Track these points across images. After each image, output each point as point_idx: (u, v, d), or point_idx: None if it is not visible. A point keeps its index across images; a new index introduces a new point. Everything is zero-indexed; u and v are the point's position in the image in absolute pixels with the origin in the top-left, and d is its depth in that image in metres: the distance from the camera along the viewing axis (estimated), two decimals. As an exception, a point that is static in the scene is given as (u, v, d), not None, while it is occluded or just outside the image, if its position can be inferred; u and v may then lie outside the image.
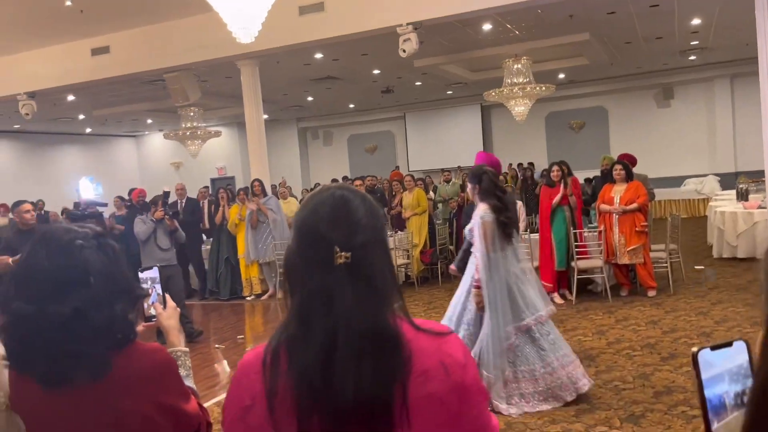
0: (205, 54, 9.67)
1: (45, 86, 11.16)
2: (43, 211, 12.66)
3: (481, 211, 4.27)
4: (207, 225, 10.50)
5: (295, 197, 13.07)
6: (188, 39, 9.76)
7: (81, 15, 9.25)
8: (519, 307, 4.25)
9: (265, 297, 9.35)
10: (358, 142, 20.27)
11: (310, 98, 16.11)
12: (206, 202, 11.30)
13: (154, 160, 21.31)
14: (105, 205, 7.17)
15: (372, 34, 8.84)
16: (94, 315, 1.31)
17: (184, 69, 10.22)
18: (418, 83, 14.88)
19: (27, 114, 11.40)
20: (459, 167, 15.19)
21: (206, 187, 13.23)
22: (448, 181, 11.25)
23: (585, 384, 4.31)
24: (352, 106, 18.30)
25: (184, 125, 15.43)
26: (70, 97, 12.98)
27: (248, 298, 9.36)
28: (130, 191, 11.63)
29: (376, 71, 13.05)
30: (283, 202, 10.48)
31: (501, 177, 5.89)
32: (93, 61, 10.60)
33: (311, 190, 14.16)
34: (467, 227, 4.58)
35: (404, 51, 8.30)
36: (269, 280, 9.45)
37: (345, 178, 14.89)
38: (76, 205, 7.07)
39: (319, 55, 10.94)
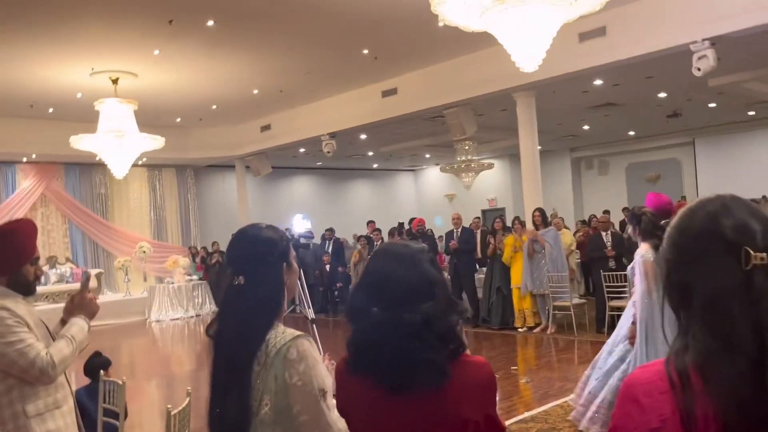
0: (483, 88, 9.99)
1: (343, 127, 12.64)
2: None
3: (643, 250, 4.31)
4: (480, 254, 10.74)
5: (569, 229, 12.66)
6: (467, 75, 10.21)
7: (374, 61, 10.32)
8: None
9: (537, 330, 9.15)
10: (637, 170, 18.91)
11: (585, 127, 15.57)
12: (479, 231, 11.59)
13: (430, 192, 22.60)
14: (312, 237, 7.99)
15: (660, 55, 8.23)
16: (438, 324, 1.40)
17: (463, 104, 10.69)
18: (711, 105, 13.38)
19: (329, 152, 13.02)
20: (764, 197, 13.19)
21: (478, 217, 13.58)
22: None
23: None
24: (631, 133, 17.19)
25: (459, 158, 16.14)
26: (362, 136, 14.49)
27: (520, 330, 9.25)
28: (411, 220, 12.51)
29: (661, 94, 12.09)
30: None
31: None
32: (383, 102, 11.70)
33: (585, 222, 13.60)
34: (629, 267, 4.60)
35: (699, 69, 7.53)
36: (542, 312, 9.23)
37: (625, 209, 13.96)
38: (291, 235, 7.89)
39: (598, 82, 10.53)
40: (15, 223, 2.34)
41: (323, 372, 1.64)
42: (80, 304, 2.38)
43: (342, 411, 1.53)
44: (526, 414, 5.33)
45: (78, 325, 2.33)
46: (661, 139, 17.70)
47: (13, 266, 2.28)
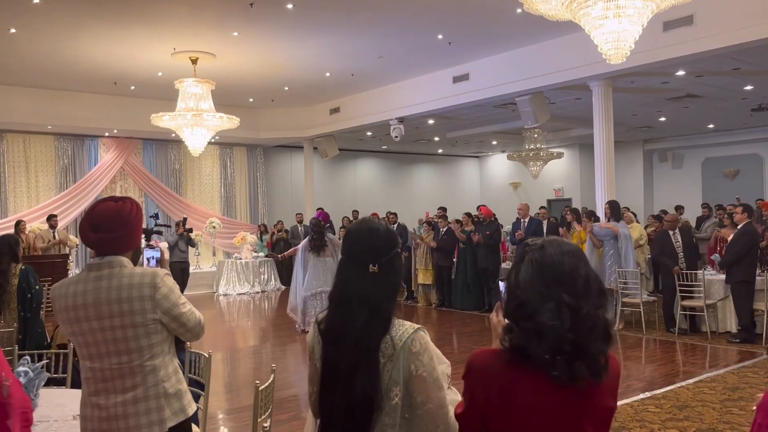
0: (559, 77, 9.77)
1: (412, 112, 12.63)
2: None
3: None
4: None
5: (639, 223, 12.29)
6: (542, 63, 10.00)
7: (447, 47, 10.24)
8: (311, 283, 8.99)
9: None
10: (714, 165, 18.12)
11: (662, 119, 15.01)
12: (546, 222, 11.42)
13: (494, 180, 22.32)
14: (167, 226, 11.37)
15: (750, 46, 7.84)
16: (603, 316, 1.50)
17: (537, 92, 10.48)
18: (801, 98, 12.67)
19: (396, 137, 13.05)
20: None
21: (544, 207, 13.35)
22: None
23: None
24: (711, 126, 16.47)
25: (527, 146, 15.86)
26: (430, 122, 14.44)
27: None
28: (478, 207, 12.44)
29: (748, 87, 11.52)
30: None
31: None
32: (454, 88, 11.61)
33: (656, 216, 13.15)
34: None
35: (794, 62, 7.14)
36: (610, 308, 9.05)
37: (705, 205, 13.45)
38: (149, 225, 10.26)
39: (680, 72, 10.12)
40: (132, 200, 2.33)
41: (442, 359, 1.77)
42: None
43: (511, 401, 1.50)
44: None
45: None
46: (743, 133, 16.88)
47: (139, 241, 2.38)
